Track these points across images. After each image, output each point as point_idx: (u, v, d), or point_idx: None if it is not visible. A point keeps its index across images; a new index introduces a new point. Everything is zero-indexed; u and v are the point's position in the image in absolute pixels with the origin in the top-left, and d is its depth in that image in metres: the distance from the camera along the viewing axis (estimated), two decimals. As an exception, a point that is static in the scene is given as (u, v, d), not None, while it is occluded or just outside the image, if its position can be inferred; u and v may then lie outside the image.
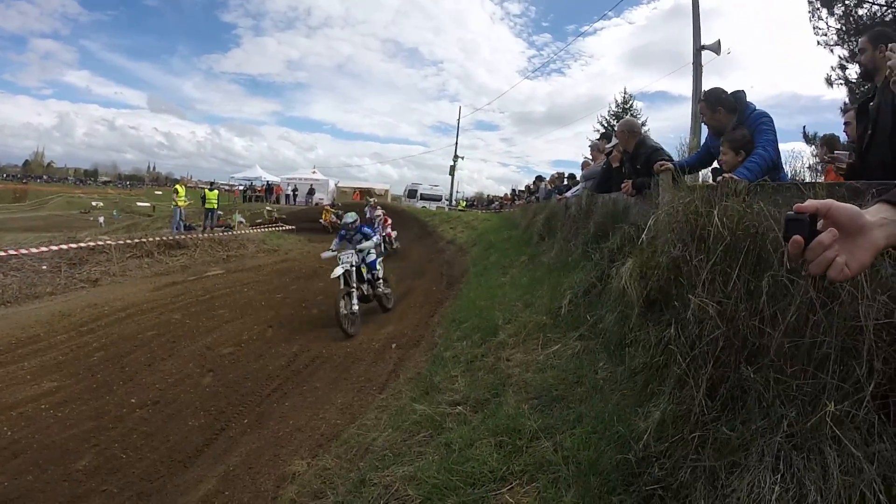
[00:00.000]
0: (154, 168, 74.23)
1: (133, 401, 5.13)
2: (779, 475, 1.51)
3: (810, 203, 0.86)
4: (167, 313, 7.99)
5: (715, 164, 3.56)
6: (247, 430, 4.68)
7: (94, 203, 35.03)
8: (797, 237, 0.84)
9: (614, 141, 5.76)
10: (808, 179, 3.48)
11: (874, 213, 0.87)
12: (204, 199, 18.54)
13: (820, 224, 0.85)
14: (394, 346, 6.50)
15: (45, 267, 10.17)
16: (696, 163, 3.66)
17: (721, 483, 1.65)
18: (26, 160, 68.36)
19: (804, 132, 15.27)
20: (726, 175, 2.61)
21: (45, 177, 65.59)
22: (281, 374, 5.91)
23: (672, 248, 2.66)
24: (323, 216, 21.80)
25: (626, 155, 4.99)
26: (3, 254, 9.48)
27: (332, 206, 25.38)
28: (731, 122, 3.37)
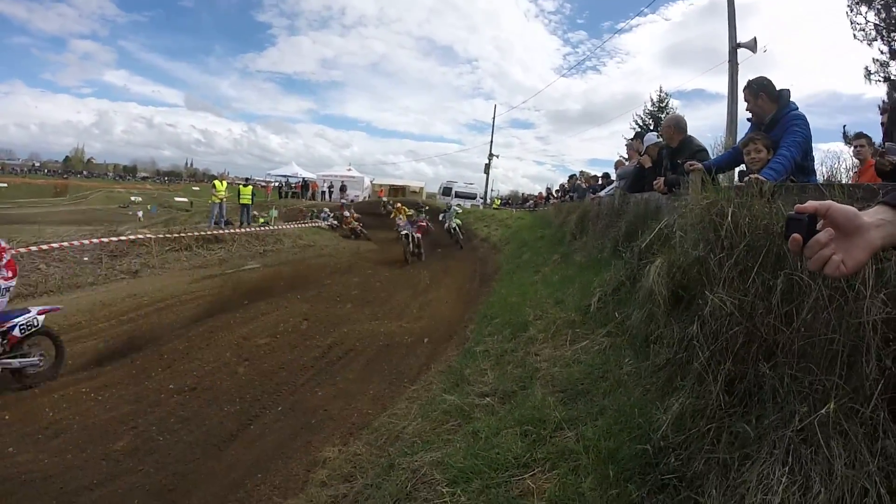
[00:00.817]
0: (192, 164, 76.68)
1: (171, 386, 5.37)
2: (787, 468, 1.57)
3: (810, 204, 0.91)
4: (204, 305, 8.32)
5: (742, 167, 3.56)
6: (280, 417, 4.82)
7: (132, 198, 36.24)
8: (796, 235, 0.89)
9: (651, 139, 5.73)
10: (844, 181, 3.43)
11: (873, 215, 0.91)
12: (239, 194, 18.91)
13: (820, 224, 0.90)
14: (426, 340, 6.66)
15: (86, 258, 10.51)
16: (725, 163, 3.66)
17: (732, 474, 1.72)
18: (67, 156, 71.20)
19: (844, 132, 14.61)
20: (752, 176, 2.63)
21: (85, 172, 67.70)
22: (315, 364, 6.05)
23: (695, 247, 2.70)
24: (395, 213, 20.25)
25: (667, 150, 4.97)
26: (46, 246, 9.91)
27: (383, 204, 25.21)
28: (773, 111, 3.36)
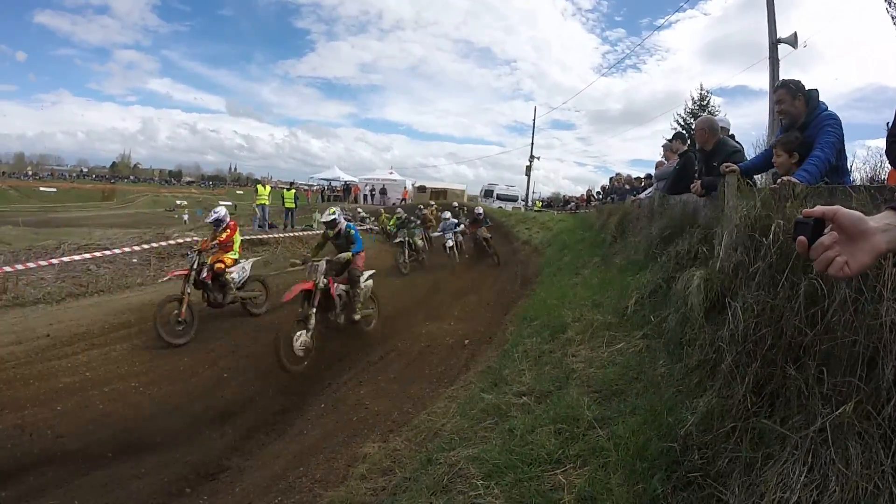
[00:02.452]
0: (235, 169, 79.46)
1: (225, 375, 5.77)
2: (806, 467, 1.62)
3: (817, 208, 0.97)
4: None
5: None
6: (323, 413, 5.04)
7: (178, 202, 37.65)
8: (801, 238, 0.96)
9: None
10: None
11: (879, 220, 0.95)
12: (283, 198, 19.38)
13: (828, 228, 0.96)
14: (466, 342, 6.79)
15: (135, 260, 10.86)
16: (760, 164, 3.62)
17: (755, 472, 1.78)
18: (114, 162, 74.68)
19: (888, 128, 13.58)
20: (784, 178, 2.63)
21: (131, 177, 70.53)
22: (358, 364, 6.29)
23: (732, 253, 2.73)
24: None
25: (702, 153, 4.93)
26: (98, 254, 10.35)
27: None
28: (804, 115, 3.32)
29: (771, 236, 2.35)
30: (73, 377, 5.65)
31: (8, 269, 8.33)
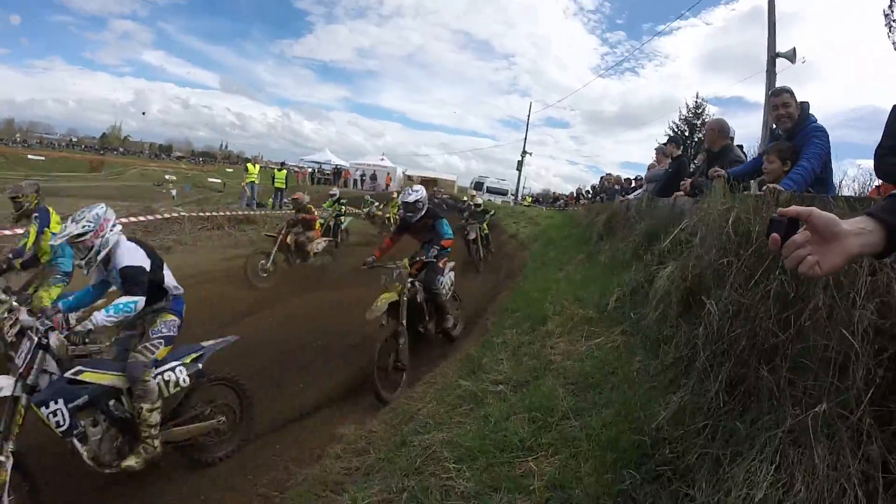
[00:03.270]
0: (226, 147, 77.72)
1: None
2: (773, 466, 1.65)
3: (793, 208, 0.98)
4: (234, 282, 8.53)
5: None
6: (299, 394, 4.96)
7: (167, 176, 36.74)
8: (774, 235, 0.97)
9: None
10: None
11: (853, 224, 0.96)
12: (273, 178, 19.16)
13: (802, 228, 0.97)
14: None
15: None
16: (748, 172, 3.67)
17: (722, 469, 1.81)
18: (104, 133, 72.05)
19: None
20: (770, 186, 2.67)
21: (121, 149, 68.40)
22: (337, 348, 6.17)
23: (709, 252, 2.76)
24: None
25: (707, 153, 4.95)
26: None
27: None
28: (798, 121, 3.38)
29: (748, 238, 2.38)
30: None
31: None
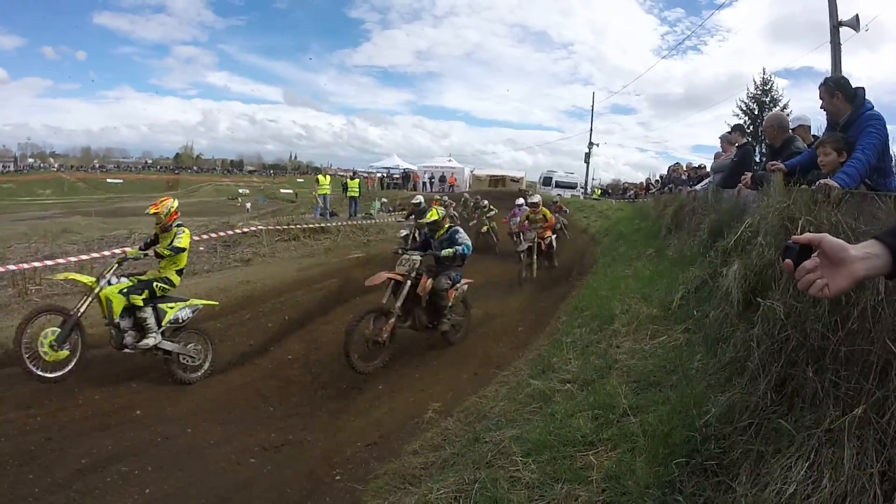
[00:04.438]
0: (295, 157, 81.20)
1: (289, 357, 6.30)
2: (808, 463, 1.77)
3: (806, 236, 1.10)
4: (314, 291, 9.03)
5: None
6: (382, 393, 5.40)
7: (240, 190, 38.87)
8: (787, 261, 1.09)
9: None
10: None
11: (861, 248, 1.04)
12: (346, 187, 19.84)
13: (815, 253, 1.07)
14: (520, 329, 7.04)
15: (202, 248, 11.07)
16: (805, 163, 3.58)
17: (763, 465, 1.95)
18: (177, 153, 76.97)
19: None
20: (821, 182, 2.68)
21: (195, 168, 72.57)
22: (415, 348, 6.56)
23: (766, 251, 2.83)
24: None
25: (770, 150, 4.85)
26: None
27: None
28: (848, 111, 3.28)
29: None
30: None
31: (84, 257, 8.93)
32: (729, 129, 5.83)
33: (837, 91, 3.30)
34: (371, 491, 3.33)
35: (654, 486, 2.18)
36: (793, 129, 4.58)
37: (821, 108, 3.46)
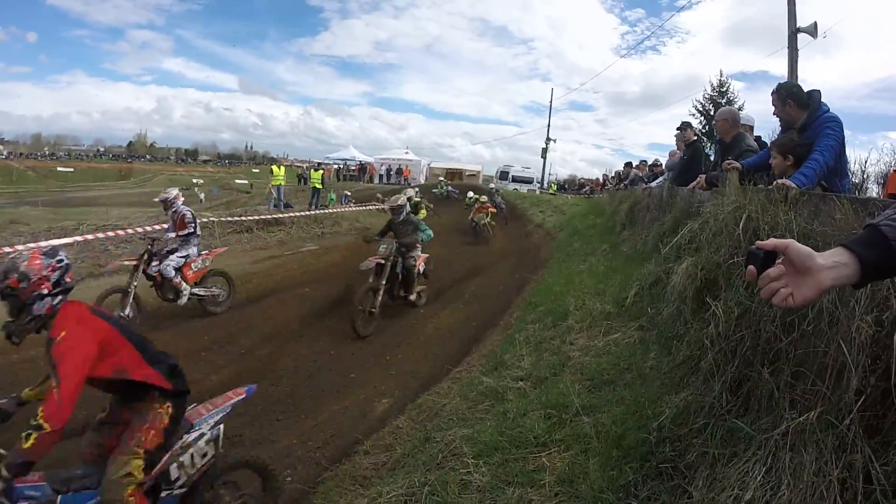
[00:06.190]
0: (251, 147, 78.99)
1: (241, 352, 5.99)
2: (765, 468, 1.72)
3: (770, 241, 1.02)
4: (266, 284, 8.72)
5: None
6: (334, 391, 5.14)
7: (194, 180, 37.26)
8: (751, 267, 1.02)
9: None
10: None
11: (828, 256, 0.98)
12: (308, 178, 19.71)
13: (779, 260, 1.01)
14: (473, 324, 6.95)
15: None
16: (760, 164, 3.63)
17: (719, 468, 1.89)
18: (130, 141, 73.71)
19: None
20: (779, 182, 2.68)
21: (148, 156, 70.22)
22: (369, 346, 6.36)
23: (719, 250, 2.81)
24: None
25: (720, 144, 4.91)
26: (112, 233, 10.10)
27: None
28: (801, 117, 3.33)
29: (758, 237, 2.41)
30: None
31: (32, 244, 8.42)
32: (679, 128, 5.90)
33: (789, 99, 3.34)
34: (321, 493, 3.25)
35: (608, 490, 2.10)
36: (737, 129, 4.65)
37: (774, 114, 3.49)
